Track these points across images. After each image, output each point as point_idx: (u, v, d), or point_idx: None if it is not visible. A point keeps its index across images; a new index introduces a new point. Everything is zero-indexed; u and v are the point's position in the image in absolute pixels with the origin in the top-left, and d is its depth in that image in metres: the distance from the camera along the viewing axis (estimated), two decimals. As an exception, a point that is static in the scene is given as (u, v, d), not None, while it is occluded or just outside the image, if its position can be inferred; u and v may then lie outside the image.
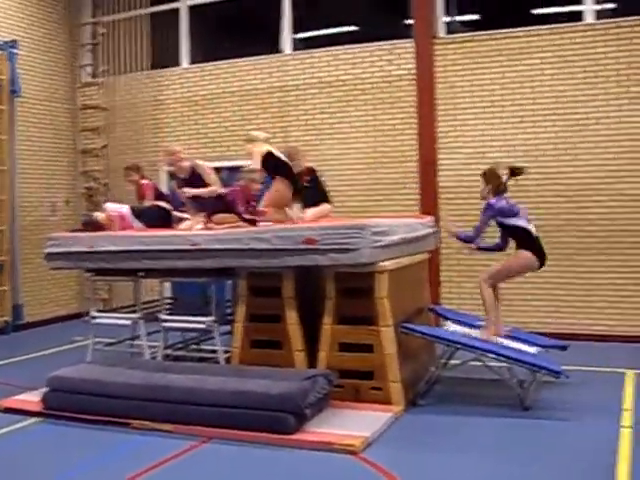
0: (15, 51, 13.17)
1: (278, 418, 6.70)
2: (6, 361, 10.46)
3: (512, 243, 8.65)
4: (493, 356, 7.61)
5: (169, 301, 10.35)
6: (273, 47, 13.51)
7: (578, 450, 6.35)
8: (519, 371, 7.77)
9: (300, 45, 13.43)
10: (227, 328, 8.98)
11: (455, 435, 6.88)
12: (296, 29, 13.42)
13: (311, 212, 9.06)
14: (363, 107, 12.64)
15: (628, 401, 7.75)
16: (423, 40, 12.17)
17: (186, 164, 9.37)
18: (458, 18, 12.75)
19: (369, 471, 5.99)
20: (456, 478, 5.89)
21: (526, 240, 8.36)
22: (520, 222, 8.38)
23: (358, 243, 7.47)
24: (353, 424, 6.93)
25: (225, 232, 8.34)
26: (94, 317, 9.51)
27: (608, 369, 9.17)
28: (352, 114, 12.70)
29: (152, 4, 14.40)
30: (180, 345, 9.89)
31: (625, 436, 6.60)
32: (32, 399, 7.90)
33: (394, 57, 12.48)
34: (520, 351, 7.98)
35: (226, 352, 8.66)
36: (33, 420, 7.51)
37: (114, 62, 14.64)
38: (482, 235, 8.61)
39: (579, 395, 7.99)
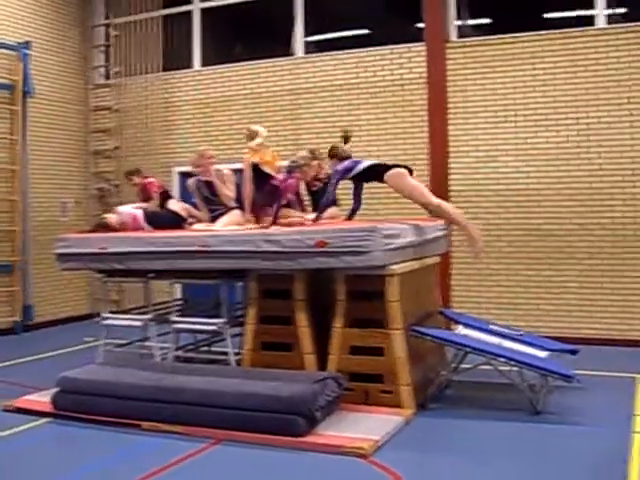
0: (28, 52, 13.23)
1: (288, 421, 6.69)
2: (17, 361, 10.50)
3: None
4: (504, 360, 7.59)
5: (180, 303, 10.37)
6: (285, 50, 13.52)
7: (589, 455, 6.33)
8: (530, 375, 7.74)
9: (312, 48, 13.44)
10: (238, 330, 9.00)
11: (465, 439, 6.86)
12: (308, 32, 13.43)
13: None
14: (374, 110, 12.65)
15: (639, 406, 7.72)
16: (435, 44, 12.17)
17: (213, 169, 9.50)
18: (470, 22, 12.75)
19: (379, 474, 5.98)
20: (466, 482, 5.89)
21: (385, 167, 8.63)
22: (366, 163, 8.73)
23: (370, 246, 7.46)
24: (363, 427, 6.92)
25: (237, 234, 8.34)
26: (105, 318, 9.52)
27: (619, 374, 9.13)
28: (363, 117, 12.70)
29: (165, 6, 14.42)
30: (191, 347, 9.91)
31: (637, 441, 6.57)
32: (42, 399, 7.90)
33: (405, 60, 12.48)
34: (531, 355, 7.96)
35: (237, 354, 8.66)
36: (43, 420, 7.53)
37: (126, 64, 14.66)
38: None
39: (590, 400, 7.97)
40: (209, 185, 9.47)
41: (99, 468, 6.23)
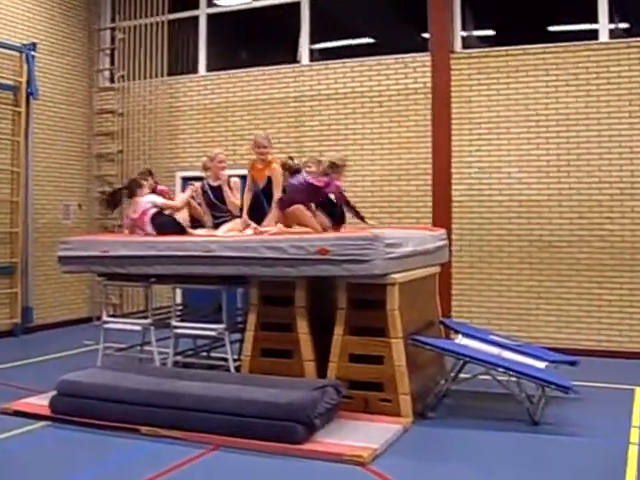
0: (33, 54, 13.25)
1: (287, 427, 6.70)
2: (15, 364, 10.50)
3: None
4: (502, 370, 7.61)
5: (180, 308, 10.38)
6: (290, 57, 13.55)
7: (587, 466, 6.34)
8: (528, 386, 7.75)
9: (317, 56, 13.47)
10: (238, 336, 9.01)
11: (463, 448, 6.88)
12: (314, 40, 13.46)
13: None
14: (378, 119, 12.66)
15: (637, 418, 7.73)
16: (439, 54, 12.20)
17: (224, 174, 9.50)
18: (475, 33, 12.80)
19: (377, 483, 6.00)
20: (464, 492, 5.90)
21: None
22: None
23: (371, 254, 7.49)
24: (362, 435, 6.93)
25: (239, 240, 8.35)
26: (105, 322, 9.53)
27: (618, 385, 9.15)
28: (367, 126, 12.73)
29: (171, 11, 14.45)
30: (190, 352, 9.93)
31: (634, 453, 6.58)
32: (41, 402, 7.90)
33: (410, 70, 12.51)
34: (529, 366, 7.97)
35: (236, 360, 8.69)
36: (42, 424, 7.52)
37: (131, 67, 14.67)
38: None
39: (588, 411, 7.97)
40: (216, 190, 9.45)
41: (97, 472, 6.24)
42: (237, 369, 8.53)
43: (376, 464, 6.36)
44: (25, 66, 13.14)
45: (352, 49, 13.39)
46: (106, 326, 9.48)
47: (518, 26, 12.34)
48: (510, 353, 8.34)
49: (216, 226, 9.36)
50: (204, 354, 9.99)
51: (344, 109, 12.92)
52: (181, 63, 14.56)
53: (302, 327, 8.00)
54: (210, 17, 14.28)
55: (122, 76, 14.77)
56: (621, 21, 11.55)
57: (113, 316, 10.83)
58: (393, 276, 7.65)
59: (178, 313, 9.70)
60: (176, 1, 14.45)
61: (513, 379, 7.68)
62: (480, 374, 7.94)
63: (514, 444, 6.95)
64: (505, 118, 11.82)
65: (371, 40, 13.70)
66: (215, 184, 9.48)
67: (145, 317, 9.45)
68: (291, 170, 8.98)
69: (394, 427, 7.21)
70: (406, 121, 12.48)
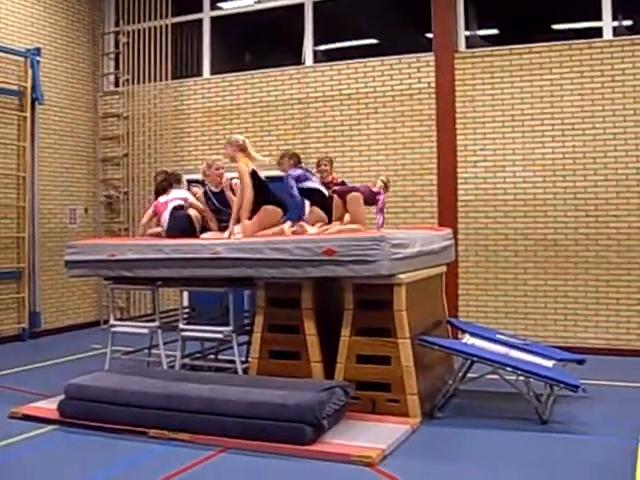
0: (38, 59, 13.28)
1: (295, 429, 6.71)
2: (24, 368, 10.51)
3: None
4: (510, 369, 7.60)
5: (187, 310, 10.38)
6: (294, 59, 13.55)
7: (595, 465, 6.33)
8: (536, 385, 7.74)
9: (321, 57, 13.48)
10: (245, 338, 9.01)
11: (472, 448, 6.87)
12: (317, 41, 13.46)
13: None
14: (383, 120, 12.67)
15: (646, 417, 7.72)
16: (443, 54, 12.20)
17: (224, 180, 9.48)
18: (478, 32, 12.79)
19: (386, 483, 5.99)
20: (473, 492, 5.90)
21: (319, 199, 9.10)
22: (313, 185, 9.16)
23: (377, 255, 7.48)
24: (370, 436, 6.93)
25: (245, 241, 8.35)
26: (113, 325, 9.54)
27: (626, 383, 9.13)
28: (372, 127, 12.73)
29: (175, 14, 14.46)
30: (198, 355, 9.92)
31: (643, 452, 6.58)
32: (50, 407, 7.91)
33: (414, 70, 12.51)
34: (537, 365, 7.96)
35: (244, 362, 8.69)
36: (50, 428, 7.54)
37: (136, 71, 14.68)
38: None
39: (597, 409, 7.96)
40: (218, 195, 9.44)
41: (105, 476, 6.25)
42: (245, 371, 8.51)
43: (384, 465, 6.36)
44: (30, 71, 13.17)
45: (356, 50, 13.38)
46: (113, 330, 9.48)
47: (522, 25, 12.36)
48: (517, 352, 8.33)
49: (222, 230, 9.35)
50: (212, 356, 10.00)
51: (348, 110, 12.92)
52: (185, 66, 14.59)
53: (309, 328, 8.00)
54: (214, 20, 14.30)
55: (127, 80, 14.78)
56: (625, 18, 11.55)
57: (120, 320, 10.85)
58: (400, 276, 7.64)
59: (185, 316, 9.67)
60: (180, 4, 14.46)
61: (521, 378, 7.66)
62: (488, 373, 7.92)
63: (523, 443, 6.94)
64: (510, 117, 11.81)
65: (375, 41, 13.70)
66: (217, 190, 9.46)
67: (152, 320, 9.44)
68: (295, 162, 9.28)
69: (402, 427, 7.20)
70: (411, 121, 12.48)
